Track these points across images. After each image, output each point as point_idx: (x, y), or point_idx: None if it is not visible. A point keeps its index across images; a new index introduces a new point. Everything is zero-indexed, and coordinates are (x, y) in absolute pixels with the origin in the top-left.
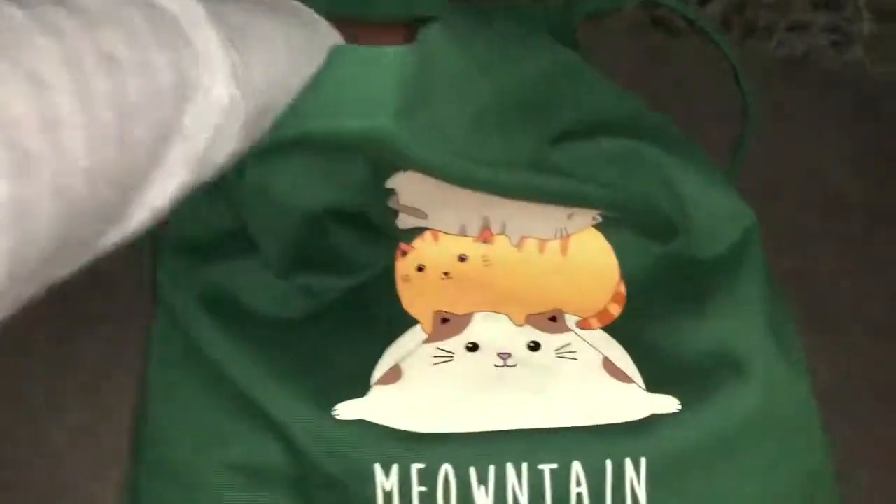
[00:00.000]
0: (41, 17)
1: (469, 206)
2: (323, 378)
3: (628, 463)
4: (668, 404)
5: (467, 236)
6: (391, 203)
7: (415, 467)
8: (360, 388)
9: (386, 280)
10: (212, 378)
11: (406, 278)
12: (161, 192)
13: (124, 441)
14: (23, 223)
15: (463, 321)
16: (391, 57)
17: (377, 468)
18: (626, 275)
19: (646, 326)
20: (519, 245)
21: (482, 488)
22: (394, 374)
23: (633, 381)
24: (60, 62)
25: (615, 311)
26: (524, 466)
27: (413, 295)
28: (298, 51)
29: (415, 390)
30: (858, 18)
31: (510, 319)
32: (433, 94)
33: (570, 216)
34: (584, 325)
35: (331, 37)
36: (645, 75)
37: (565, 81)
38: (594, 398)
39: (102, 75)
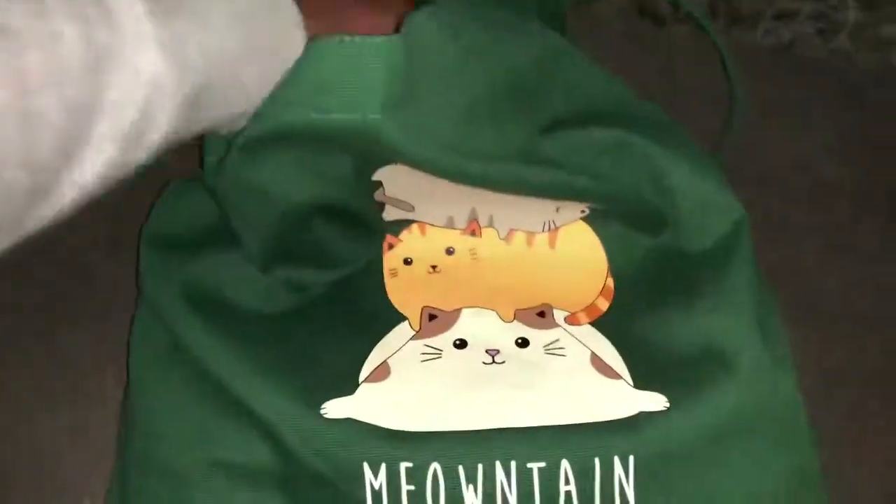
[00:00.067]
0: None
1: (456, 198)
2: (310, 375)
3: (617, 461)
4: (655, 401)
5: (455, 229)
6: (377, 196)
7: (403, 466)
8: (347, 385)
9: (373, 275)
10: (197, 375)
11: (393, 272)
12: (90, 169)
13: (114, 436)
14: None
15: (451, 318)
16: (378, 48)
17: (366, 467)
18: (615, 268)
19: (634, 321)
20: (507, 238)
21: (471, 487)
22: (382, 372)
23: (621, 378)
24: None
25: (603, 305)
26: (513, 465)
27: (400, 290)
28: (247, 24)
29: (403, 388)
30: (844, 7)
31: (498, 315)
32: (421, 86)
33: (558, 209)
34: (572, 320)
35: (290, 10)
36: (631, 63)
37: (556, 67)
38: (582, 395)
39: None
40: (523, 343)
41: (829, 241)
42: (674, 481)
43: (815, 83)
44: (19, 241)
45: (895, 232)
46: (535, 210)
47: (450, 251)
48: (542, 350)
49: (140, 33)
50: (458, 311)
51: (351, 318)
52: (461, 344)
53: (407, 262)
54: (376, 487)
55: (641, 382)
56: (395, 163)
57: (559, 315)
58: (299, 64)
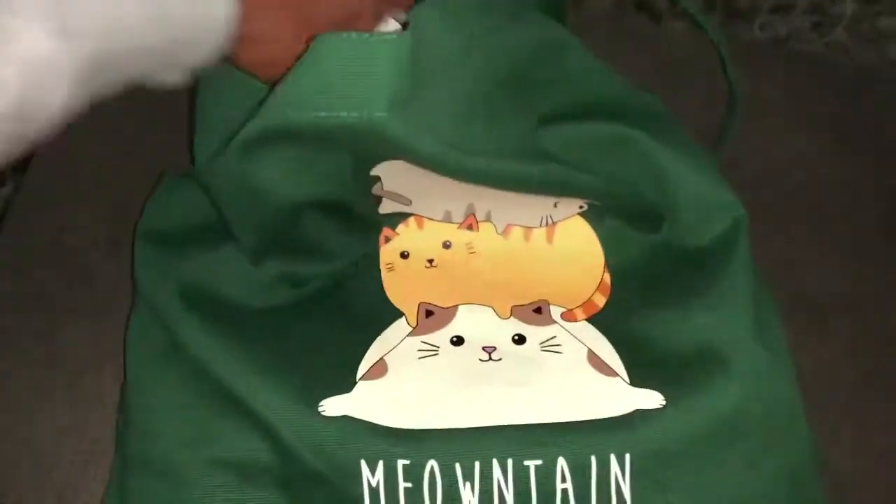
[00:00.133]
0: None
1: (454, 193)
2: (308, 373)
3: (613, 459)
4: (652, 399)
5: (452, 223)
6: (375, 190)
7: (400, 463)
8: (345, 383)
9: (370, 269)
10: (194, 373)
11: (390, 267)
12: None
13: (111, 434)
14: None
15: (448, 314)
16: (387, 46)
17: (363, 464)
18: (612, 264)
19: (631, 318)
20: (504, 233)
21: (468, 484)
22: (379, 369)
23: (618, 375)
24: None
25: (600, 301)
26: (509, 462)
27: (397, 285)
28: None
29: (400, 385)
30: (840, 0)
31: (495, 312)
32: (425, 80)
33: (555, 204)
34: (568, 316)
35: None
36: (628, 59)
37: (557, 58)
38: (579, 393)
39: None
40: (520, 340)
41: (826, 236)
42: (670, 479)
43: (811, 77)
44: None
45: (892, 227)
46: (533, 205)
47: (447, 245)
48: (538, 347)
49: (22, 7)
50: (455, 307)
51: (348, 314)
52: (458, 341)
53: (404, 255)
54: (373, 485)
55: (638, 380)
56: (395, 159)
57: (556, 311)
58: (304, 61)
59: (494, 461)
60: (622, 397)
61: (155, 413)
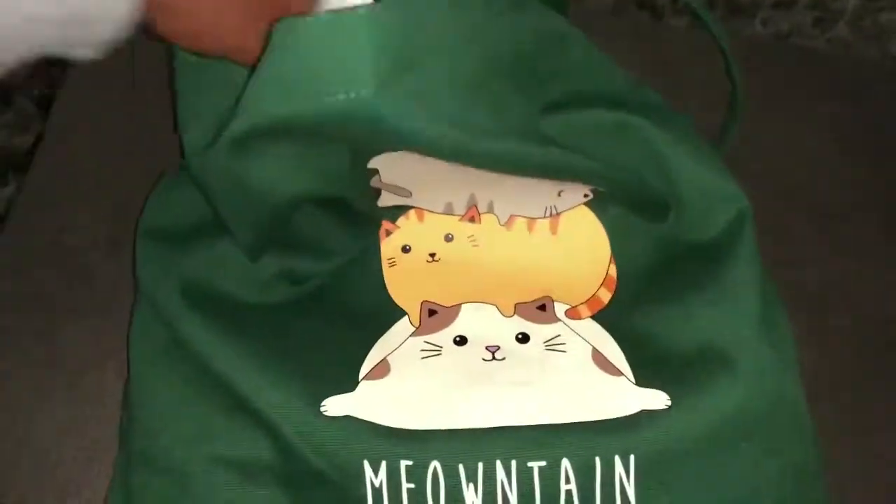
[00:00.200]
0: None
1: (455, 183)
2: (309, 371)
3: (618, 460)
4: (657, 400)
5: (453, 215)
6: (374, 182)
7: (403, 464)
8: (347, 382)
9: (371, 265)
10: (197, 371)
11: (392, 262)
12: None
13: (114, 433)
14: None
15: (450, 313)
16: (360, 20)
17: (366, 465)
18: (618, 256)
19: (636, 315)
20: (507, 224)
21: (471, 486)
22: (382, 369)
23: (623, 374)
24: None
25: (605, 297)
26: (513, 464)
27: (399, 282)
28: None
29: (403, 386)
30: None
31: (498, 310)
32: (421, 62)
33: (559, 193)
34: (573, 314)
35: None
36: (628, 57)
37: (558, 49)
38: (583, 393)
39: None
40: (524, 339)
41: (828, 233)
42: (675, 480)
43: (813, 74)
44: None
45: (894, 225)
46: (537, 195)
47: (449, 238)
48: (542, 346)
49: None
50: (458, 306)
51: (350, 312)
52: (461, 341)
53: (405, 249)
54: (376, 485)
55: (643, 380)
56: (392, 148)
57: (560, 308)
58: (276, 51)
59: (498, 462)
60: (627, 397)
61: (157, 410)
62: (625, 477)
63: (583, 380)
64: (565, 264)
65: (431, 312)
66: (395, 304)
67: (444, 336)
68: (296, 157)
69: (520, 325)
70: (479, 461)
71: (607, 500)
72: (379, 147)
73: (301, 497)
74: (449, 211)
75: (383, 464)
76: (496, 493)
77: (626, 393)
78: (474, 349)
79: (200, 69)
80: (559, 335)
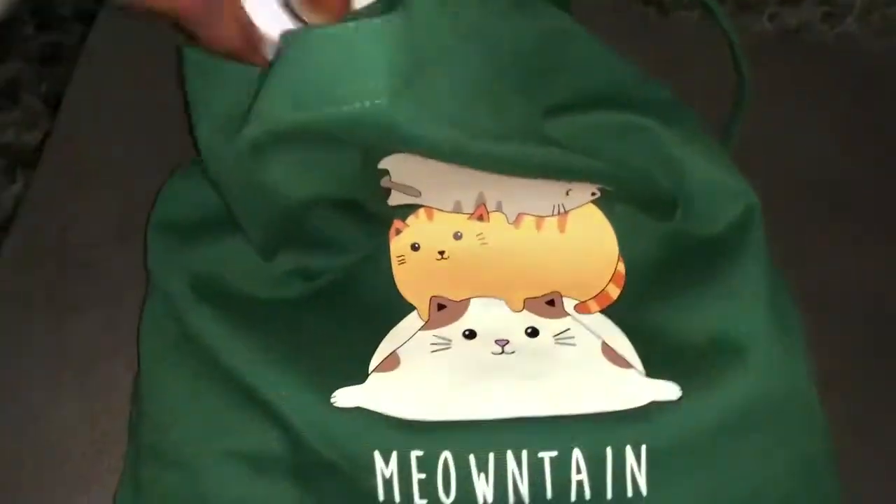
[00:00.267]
0: None
1: (464, 183)
2: (320, 364)
3: (629, 450)
4: (668, 391)
5: (462, 213)
6: (384, 182)
7: (414, 455)
8: (357, 374)
9: (381, 263)
10: (207, 365)
11: (401, 259)
12: None
13: (122, 426)
14: None
15: (460, 307)
16: (375, 30)
17: (377, 456)
18: (626, 253)
19: (645, 309)
20: (516, 222)
21: (482, 476)
22: (392, 362)
23: (633, 367)
24: None
25: (614, 292)
26: (524, 454)
27: (409, 278)
28: None
29: (413, 378)
30: None
31: (507, 305)
32: (424, 68)
33: (567, 192)
34: (582, 308)
35: None
36: (634, 52)
37: (562, 48)
38: (594, 385)
39: None
40: (533, 333)
41: (836, 228)
42: (686, 471)
43: (821, 69)
44: None
45: None
46: (545, 194)
47: (458, 236)
48: (552, 340)
49: None
50: (467, 300)
51: (360, 308)
52: (470, 334)
53: (414, 247)
54: (387, 476)
55: (653, 372)
56: (401, 151)
57: (569, 303)
58: (291, 59)
59: (509, 452)
60: (638, 389)
61: (167, 404)
62: (636, 467)
63: (593, 372)
64: (574, 261)
65: (440, 307)
66: (405, 300)
67: (454, 330)
68: (307, 160)
69: (529, 319)
70: (490, 451)
71: (618, 491)
72: (388, 148)
73: (312, 489)
74: (458, 209)
75: (394, 455)
76: (507, 484)
77: (637, 384)
78: (484, 343)
79: (209, 68)
80: (568, 329)
